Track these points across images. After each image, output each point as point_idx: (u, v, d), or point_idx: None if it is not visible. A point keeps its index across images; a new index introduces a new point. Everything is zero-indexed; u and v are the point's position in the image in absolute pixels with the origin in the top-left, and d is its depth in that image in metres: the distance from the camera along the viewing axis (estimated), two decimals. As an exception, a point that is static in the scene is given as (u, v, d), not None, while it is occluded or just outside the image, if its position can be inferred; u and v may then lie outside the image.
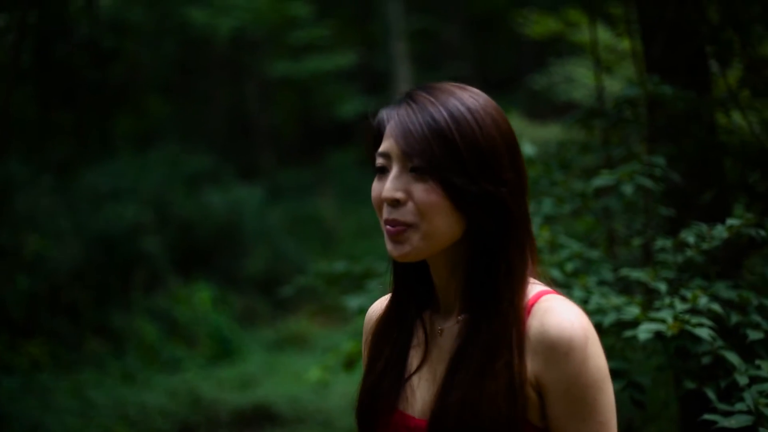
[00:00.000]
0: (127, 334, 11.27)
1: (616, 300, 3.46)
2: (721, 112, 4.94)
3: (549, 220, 4.46)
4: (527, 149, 4.68)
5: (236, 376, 10.57)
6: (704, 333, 3.11)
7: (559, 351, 1.91)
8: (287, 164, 19.92)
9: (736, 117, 5.09)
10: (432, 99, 2.00)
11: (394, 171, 1.99)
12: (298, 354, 11.83)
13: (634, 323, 3.27)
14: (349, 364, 5.33)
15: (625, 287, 3.98)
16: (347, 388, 9.35)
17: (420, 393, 2.11)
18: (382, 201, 2.02)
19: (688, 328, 3.12)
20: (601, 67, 6.07)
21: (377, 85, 20.32)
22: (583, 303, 3.58)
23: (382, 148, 2.03)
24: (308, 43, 16.92)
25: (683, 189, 4.35)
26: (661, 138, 4.82)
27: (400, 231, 1.99)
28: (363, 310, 4.92)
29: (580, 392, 1.92)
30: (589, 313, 3.47)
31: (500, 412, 1.92)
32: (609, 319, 3.35)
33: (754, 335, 3.28)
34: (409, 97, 2.04)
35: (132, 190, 13.30)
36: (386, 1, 18.96)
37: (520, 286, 2.00)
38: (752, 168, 4.73)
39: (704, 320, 3.19)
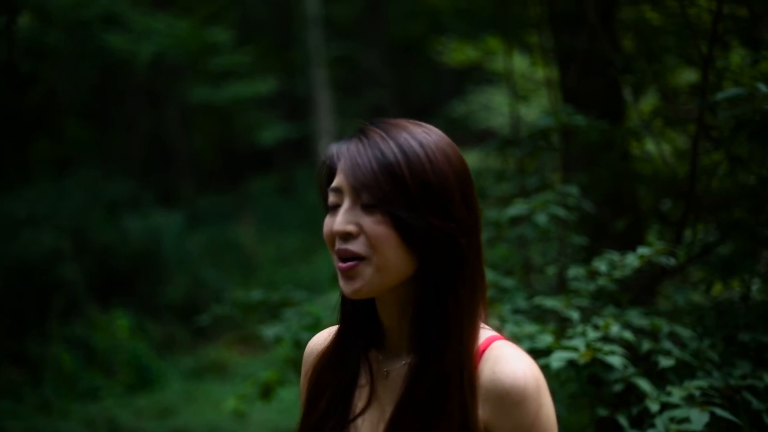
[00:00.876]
0: (44, 362, 11.05)
1: (529, 328, 3.51)
2: (635, 141, 5.05)
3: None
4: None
5: (155, 405, 10.43)
6: (616, 361, 3.17)
7: (511, 400, 1.90)
8: (207, 190, 19.81)
9: (650, 146, 5.20)
10: (383, 134, 1.98)
11: (345, 205, 1.97)
12: (218, 382, 11.72)
13: (548, 351, 3.31)
14: (266, 393, 5.30)
15: (539, 316, 4.02)
16: (267, 415, 9.31)
17: None
18: (333, 235, 2.00)
19: (600, 356, 3.18)
20: (518, 95, 6.16)
21: (298, 112, 20.34)
22: (496, 331, 3.62)
23: (334, 184, 2.01)
24: (228, 69, 16.86)
25: (597, 217, 4.43)
26: (575, 166, 4.91)
27: (352, 266, 1.96)
28: (279, 339, 4.92)
29: None
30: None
31: None
32: (523, 347, 3.40)
33: (665, 362, 3.35)
34: (361, 132, 2.02)
35: (49, 216, 13.08)
36: (306, 27, 19.02)
37: (470, 327, 1.99)
38: (665, 196, 4.84)
39: (616, 348, 3.25)
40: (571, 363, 3.25)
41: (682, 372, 3.45)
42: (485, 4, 7.04)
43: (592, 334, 3.32)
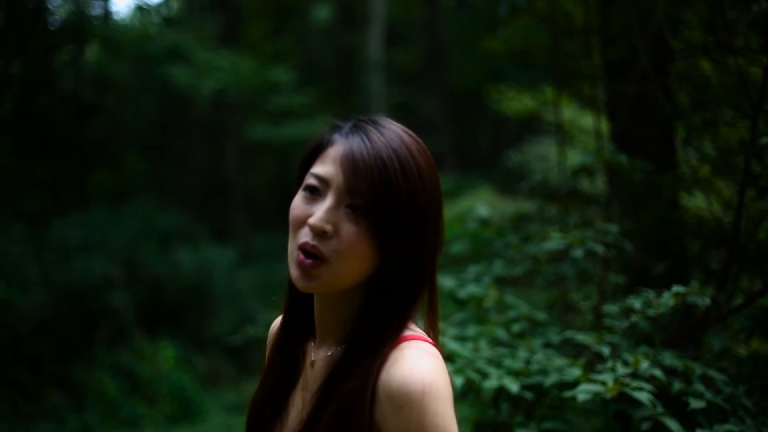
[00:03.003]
0: (88, 387, 11.11)
1: (558, 361, 3.47)
2: (683, 190, 5.00)
3: (504, 282, 4.49)
4: (482, 211, 4.72)
5: (196, 436, 10.46)
6: (644, 397, 3.12)
7: (395, 403, 1.88)
8: (261, 228, 19.89)
9: (698, 196, 5.15)
10: (386, 142, 1.98)
11: (330, 201, 1.96)
12: (260, 417, 11.69)
13: (575, 384, 3.27)
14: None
15: (572, 353, 3.99)
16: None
17: (290, 421, 2.12)
18: (304, 223, 1.99)
19: (628, 391, 3.13)
20: (565, 143, 6.13)
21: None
22: (526, 363, 3.60)
23: (322, 172, 2.00)
24: (288, 109, 16.98)
25: (639, 261, 4.39)
26: (621, 212, 4.87)
27: (314, 266, 1.96)
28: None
29: None
30: (531, 374, 3.50)
31: None
32: (551, 380, 3.36)
33: (695, 404, 3.28)
34: (362, 131, 2.01)
35: (103, 243, 13.20)
36: (368, 72, 19.13)
37: (401, 334, 2.00)
38: (710, 245, 4.78)
39: (645, 385, 3.20)
40: (599, 398, 3.21)
41: (713, 416, 3.38)
42: (540, 50, 7.03)
43: (622, 370, 3.27)
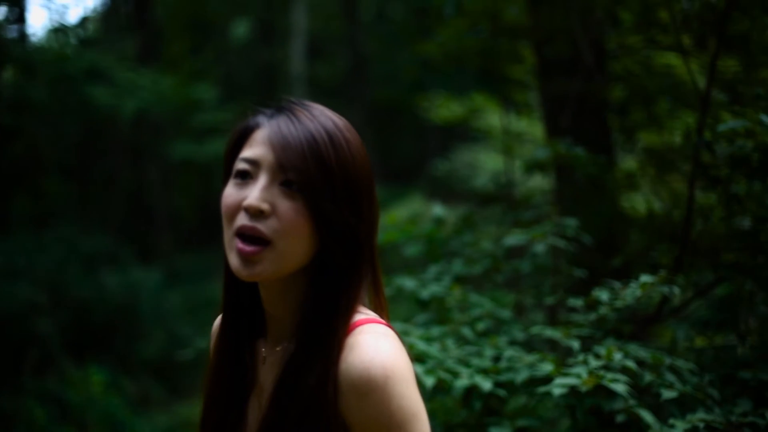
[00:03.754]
0: (17, 417, 10.85)
1: (528, 357, 3.42)
2: (627, 185, 5.01)
3: (463, 281, 4.44)
4: (437, 210, 4.68)
5: (129, 462, 10.26)
6: (620, 388, 3.08)
7: (359, 391, 1.85)
8: (186, 248, 19.69)
9: (643, 193, 5.16)
10: (311, 117, 1.98)
11: (263, 181, 1.93)
12: (193, 440, 11.55)
13: (548, 379, 3.23)
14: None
15: (536, 348, 3.95)
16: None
17: (250, 421, 2.07)
18: (240, 208, 1.94)
19: (605, 382, 3.09)
20: (508, 146, 6.12)
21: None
22: (494, 361, 3.55)
23: (250, 154, 1.97)
24: (212, 126, 16.85)
25: (592, 255, 4.37)
26: (567, 212, 4.85)
27: (256, 251, 1.91)
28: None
29: None
30: (501, 371, 3.44)
31: None
32: (522, 377, 3.31)
33: (667, 394, 3.26)
34: (289, 111, 2.00)
35: (26, 269, 12.92)
36: (290, 87, 19.06)
37: (350, 320, 1.96)
38: (659, 240, 4.78)
39: (620, 376, 3.17)
40: (573, 392, 3.16)
41: (683, 406, 3.36)
42: (475, 53, 7.02)
43: (594, 363, 3.23)
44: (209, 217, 21.19)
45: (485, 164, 12.22)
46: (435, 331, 3.86)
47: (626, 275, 4.46)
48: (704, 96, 4.17)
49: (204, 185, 20.20)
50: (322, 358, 1.89)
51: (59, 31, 17.84)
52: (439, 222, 4.65)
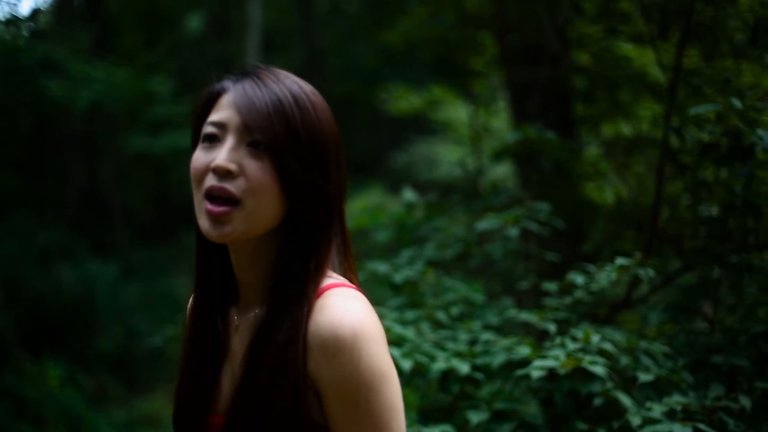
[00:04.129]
0: (-29, 413, 10.76)
1: (505, 341, 3.42)
2: (592, 170, 5.03)
3: (436, 266, 4.43)
4: (408, 195, 4.67)
5: (86, 458, 10.17)
6: (600, 370, 3.09)
7: (327, 351, 1.86)
8: (142, 242, 19.53)
9: (609, 180, 5.18)
10: (276, 80, 2.00)
11: (230, 142, 1.95)
12: (151, 436, 11.52)
13: (525, 363, 3.23)
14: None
15: (509, 333, 3.95)
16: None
17: (224, 390, 2.08)
18: (208, 170, 1.96)
19: (584, 365, 3.10)
20: (477, 137, 6.13)
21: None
22: (470, 345, 3.54)
23: (217, 117, 1.99)
24: (167, 119, 16.73)
25: (560, 241, 4.38)
26: (533, 199, 4.85)
27: (226, 212, 1.93)
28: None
29: (351, 395, 1.86)
30: (477, 355, 3.43)
31: (289, 410, 1.87)
32: (499, 360, 3.30)
33: (644, 377, 3.28)
34: (254, 74, 2.02)
35: (-21, 264, 12.79)
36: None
37: (320, 282, 1.97)
38: (627, 227, 4.81)
39: (598, 359, 3.18)
40: (551, 375, 3.16)
41: (658, 390, 3.38)
42: (436, 43, 7.02)
43: (572, 346, 3.23)
44: (165, 210, 21.07)
45: (444, 156, 12.24)
46: (409, 315, 3.86)
47: (593, 261, 4.48)
48: (672, 82, 4.19)
49: (159, 179, 20.04)
50: (292, 319, 1.91)
51: (10, 23, 17.62)
52: (410, 207, 4.64)
